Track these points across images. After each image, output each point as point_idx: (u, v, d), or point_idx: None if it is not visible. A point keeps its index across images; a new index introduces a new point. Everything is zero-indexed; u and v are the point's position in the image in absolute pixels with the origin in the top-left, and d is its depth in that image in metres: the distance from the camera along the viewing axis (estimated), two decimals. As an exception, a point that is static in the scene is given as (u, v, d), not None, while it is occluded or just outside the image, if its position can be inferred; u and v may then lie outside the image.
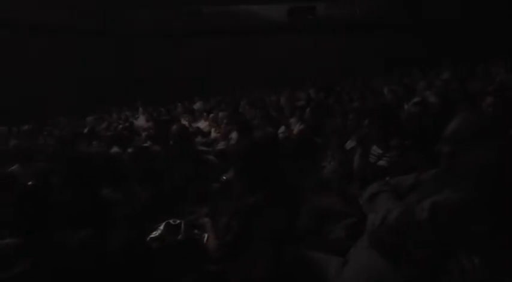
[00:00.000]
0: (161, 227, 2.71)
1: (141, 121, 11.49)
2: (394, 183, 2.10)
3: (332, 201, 3.43)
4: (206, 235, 2.71)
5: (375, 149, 3.66)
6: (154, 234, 2.68)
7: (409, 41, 13.60)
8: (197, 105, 13.21)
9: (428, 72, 10.35)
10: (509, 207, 1.56)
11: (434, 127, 3.02)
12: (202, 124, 10.14)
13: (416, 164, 2.85)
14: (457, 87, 7.10)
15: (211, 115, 10.22)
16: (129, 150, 4.77)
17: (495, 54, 9.54)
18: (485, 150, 1.69)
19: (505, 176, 1.63)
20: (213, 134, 8.88)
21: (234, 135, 6.61)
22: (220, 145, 7.09)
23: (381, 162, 3.46)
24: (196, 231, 2.77)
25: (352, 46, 14.23)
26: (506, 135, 1.80)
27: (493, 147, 1.69)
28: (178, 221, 2.75)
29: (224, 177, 2.97)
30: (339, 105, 8.51)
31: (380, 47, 13.91)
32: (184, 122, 9.97)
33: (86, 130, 9.41)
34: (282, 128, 7.39)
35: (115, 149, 5.65)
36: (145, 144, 5.64)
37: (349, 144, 4.52)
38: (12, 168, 4.92)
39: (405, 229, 1.70)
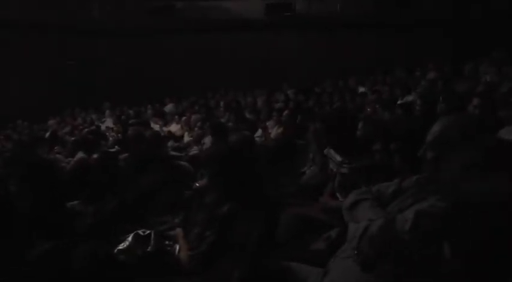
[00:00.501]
0: (129, 238, 2.68)
1: (108, 125, 11.38)
2: (376, 191, 2.11)
3: (312, 209, 3.45)
4: (178, 246, 2.69)
5: (334, 156, 3.62)
6: (122, 245, 2.65)
7: (396, 40, 13.76)
8: (168, 108, 13.15)
9: (414, 72, 10.49)
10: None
11: (419, 130, 3.06)
12: (174, 127, 10.09)
13: (399, 169, 2.88)
14: (442, 88, 7.23)
15: (183, 118, 10.19)
16: (95, 155, 4.72)
17: (485, 53, 9.73)
18: (470, 150, 1.70)
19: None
20: (186, 138, 8.85)
21: (207, 139, 6.60)
22: (194, 150, 7.07)
23: (343, 170, 3.41)
24: (167, 242, 2.76)
25: (335, 45, 14.30)
26: (492, 135, 1.83)
27: (479, 147, 1.70)
28: (147, 232, 2.73)
29: (197, 184, 2.96)
30: (319, 107, 8.58)
31: (363, 46, 14.03)
32: (155, 125, 9.92)
33: (47, 134, 9.28)
34: (259, 132, 7.41)
35: (80, 154, 5.58)
36: (112, 150, 5.59)
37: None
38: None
39: (388, 240, 1.71)
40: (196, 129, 8.50)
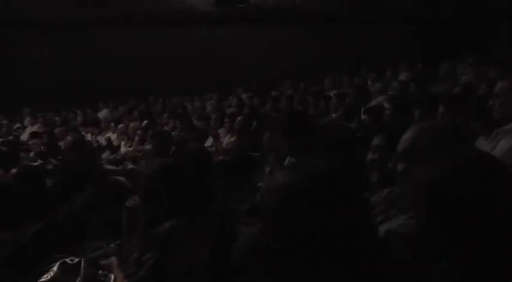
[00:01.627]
0: (54, 268, 2.63)
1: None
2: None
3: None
4: (112, 276, 2.66)
5: None
6: (46, 277, 2.60)
7: (364, 36, 14.00)
8: (102, 114, 12.97)
9: (384, 72, 10.70)
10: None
11: (389, 138, 3.11)
12: (110, 137, 9.96)
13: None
14: (415, 90, 7.41)
15: (120, 126, 10.08)
16: (13, 171, 4.60)
17: (461, 51, 10.06)
18: (435, 163, 1.71)
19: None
20: (123, 149, 8.76)
21: (148, 150, 6.55)
22: (131, 163, 7.01)
23: None
24: (100, 271, 2.71)
25: (295, 42, 14.43)
26: (470, 146, 1.86)
27: (445, 160, 1.72)
28: (76, 260, 2.68)
29: (131, 202, 2.92)
30: (277, 112, 8.63)
31: (328, 43, 14.21)
32: (87, 134, 9.77)
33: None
34: (209, 141, 7.41)
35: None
36: (34, 163, 5.45)
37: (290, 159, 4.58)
38: None
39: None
40: (136, 138, 8.42)
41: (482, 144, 3.54)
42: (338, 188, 1.20)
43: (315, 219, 1.14)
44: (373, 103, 7.45)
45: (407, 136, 1.89)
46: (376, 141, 3.26)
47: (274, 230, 1.19)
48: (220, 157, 6.18)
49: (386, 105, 6.12)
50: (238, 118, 7.55)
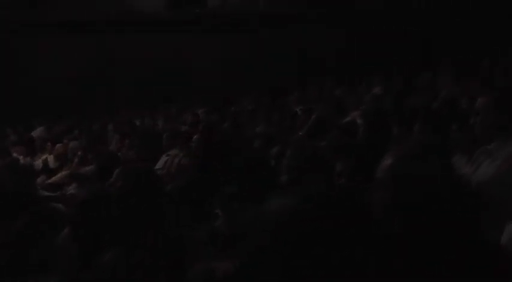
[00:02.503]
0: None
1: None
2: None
3: (228, 264, 3.45)
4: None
5: None
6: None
7: (334, 42, 14.15)
8: (37, 132, 12.81)
9: (357, 84, 10.83)
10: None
11: (364, 158, 3.15)
12: (47, 159, 9.86)
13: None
14: (392, 105, 7.52)
15: (58, 146, 9.98)
16: None
17: (440, 56, 10.24)
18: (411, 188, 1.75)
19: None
20: (62, 173, 8.66)
21: (92, 173, 6.49)
22: (72, 188, 6.94)
23: None
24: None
25: (257, 49, 14.50)
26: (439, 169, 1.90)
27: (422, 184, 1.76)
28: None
29: (64, 234, 2.90)
30: (237, 130, 8.66)
31: (293, 50, 14.31)
32: (19, 156, 9.63)
33: None
34: (161, 162, 7.40)
35: None
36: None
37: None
38: None
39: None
40: (75, 160, 8.34)
41: (463, 163, 3.61)
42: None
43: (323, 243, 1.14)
44: (346, 119, 7.54)
45: (387, 163, 1.92)
46: (340, 166, 3.29)
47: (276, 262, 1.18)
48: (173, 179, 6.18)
49: (359, 121, 6.20)
50: (194, 136, 7.55)
